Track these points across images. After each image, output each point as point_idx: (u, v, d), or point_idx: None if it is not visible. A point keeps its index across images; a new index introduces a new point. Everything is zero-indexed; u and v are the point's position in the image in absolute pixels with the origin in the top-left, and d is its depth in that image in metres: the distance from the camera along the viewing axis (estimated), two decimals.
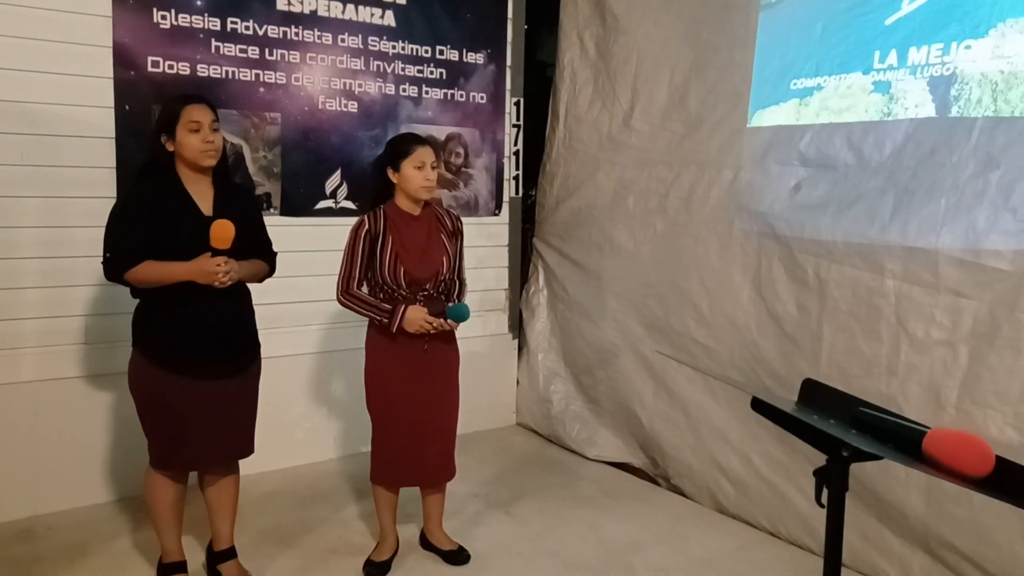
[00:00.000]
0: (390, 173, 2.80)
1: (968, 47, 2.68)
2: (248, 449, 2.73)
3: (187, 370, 2.51)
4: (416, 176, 2.76)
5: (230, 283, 2.48)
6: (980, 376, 2.60)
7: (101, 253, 2.47)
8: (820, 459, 1.53)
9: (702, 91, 3.67)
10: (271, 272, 2.74)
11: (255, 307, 2.72)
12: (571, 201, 4.36)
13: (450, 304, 2.85)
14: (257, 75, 3.69)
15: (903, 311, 2.81)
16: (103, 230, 2.50)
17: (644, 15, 3.97)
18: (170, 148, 2.49)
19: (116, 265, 2.43)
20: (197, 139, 2.47)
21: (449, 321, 2.79)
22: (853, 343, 2.96)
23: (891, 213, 2.86)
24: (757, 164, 3.39)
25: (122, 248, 2.42)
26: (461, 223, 2.99)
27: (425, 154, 2.77)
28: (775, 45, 3.36)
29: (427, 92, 4.20)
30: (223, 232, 2.45)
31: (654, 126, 3.90)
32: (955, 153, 2.72)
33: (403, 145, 2.80)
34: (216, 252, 2.45)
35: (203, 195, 2.55)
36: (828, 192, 3.10)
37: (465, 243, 3.00)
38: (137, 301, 2.56)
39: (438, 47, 4.21)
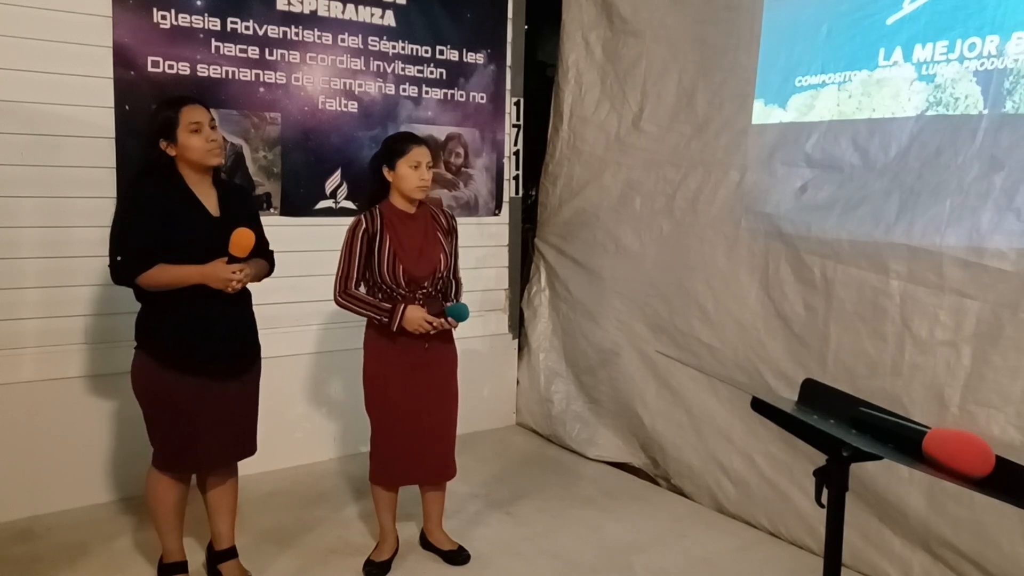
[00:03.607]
0: (386, 172, 2.80)
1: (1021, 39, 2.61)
2: (253, 448, 2.75)
3: (200, 371, 2.52)
4: (412, 175, 2.76)
5: (240, 288, 2.51)
6: (983, 376, 2.60)
7: (105, 255, 2.46)
8: (822, 459, 1.53)
9: (709, 92, 3.67)
10: (271, 271, 2.75)
11: (255, 307, 2.72)
12: (575, 202, 4.36)
13: (449, 304, 2.85)
14: (257, 75, 3.69)
15: (908, 311, 2.81)
16: (105, 231, 2.49)
17: (651, 17, 3.97)
18: (172, 152, 2.47)
19: (128, 269, 2.42)
20: (200, 139, 2.47)
21: (449, 320, 2.79)
22: (859, 343, 2.96)
23: (896, 214, 2.86)
24: (763, 165, 3.40)
25: (134, 252, 2.41)
26: (456, 222, 2.99)
27: (421, 153, 2.77)
28: (782, 41, 3.35)
29: (427, 92, 4.19)
30: (244, 241, 2.46)
31: (662, 128, 3.90)
32: (960, 154, 2.72)
33: (399, 144, 2.80)
34: (233, 259, 2.47)
35: (207, 196, 2.55)
36: (834, 193, 3.10)
37: (465, 243, 3.01)
38: (141, 302, 2.55)
39: (438, 47, 4.21)
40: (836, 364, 3.03)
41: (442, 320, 2.77)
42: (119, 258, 2.42)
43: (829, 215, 3.07)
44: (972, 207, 2.65)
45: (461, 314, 2.79)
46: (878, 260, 2.89)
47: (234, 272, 2.45)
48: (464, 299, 2.98)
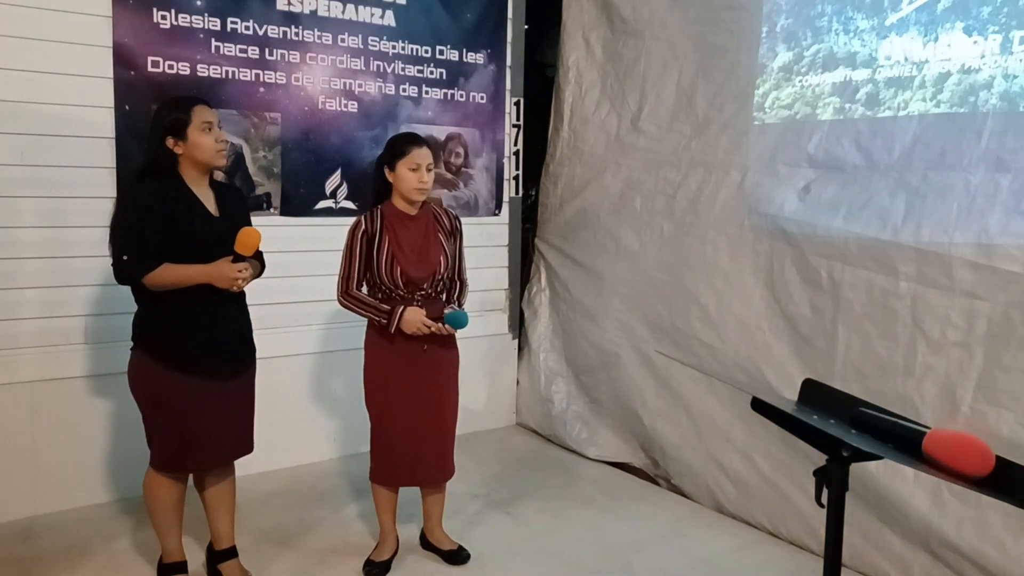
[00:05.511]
0: (387, 172, 2.80)
1: None
2: (251, 446, 2.75)
3: (203, 371, 2.52)
4: (410, 178, 2.76)
5: (244, 287, 2.53)
6: (994, 376, 2.61)
7: (105, 254, 2.47)
8: (822, 459, 1.53)
9: (709, 93, 3.67)
10: (262, 271, 2.76)
11: (255, 307, 2.72)
12: (576, 202, 4.36)
13: (449, 308, 2.85)
14: (257, 75, 3.69)
15: (919, 313, 2.81)
16: (106, 231, 2.49)
17: (651, 17, 3.97)
18: (179, 151, 2.48)
19: (135, 269, 2.41)
20: (211, 139, 2.49)
21: (447, 327, 2.79)
22: (868, 344, 2.96)
23: (903, 215, 2.86)
24: (765, 165, 3.39)
25: (140, 252, 2.41)
26: (460, 222, 2.98)
27: (421, 156, 2.77)
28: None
29: (427, 92, 4.19)
30: (251, 240, 2.49)
31: (662, 128, 3.90)
32: (965, 156, 2.72)
33: (400, 145, 2.80)
34: (238, 257, 2.48)
35: (206, 197, 2.55)
36: (838, 193, 3.10)
37: (465, 243, 3.00)
38: (140, 302, 2.54)
39: (438, 47, 4.20)
40: (845, 365, 3.02)
41: (440, 325, 2.77)
42: (125, 257, 2.42)
43: (834, 216, 3.07)
44: (979, 209, 2.65)
45: (459, 321, 2.79)
46: (886, 262, 2.89)
47: (240, 271, 2.47)
48: (466, 300, 2.97)
